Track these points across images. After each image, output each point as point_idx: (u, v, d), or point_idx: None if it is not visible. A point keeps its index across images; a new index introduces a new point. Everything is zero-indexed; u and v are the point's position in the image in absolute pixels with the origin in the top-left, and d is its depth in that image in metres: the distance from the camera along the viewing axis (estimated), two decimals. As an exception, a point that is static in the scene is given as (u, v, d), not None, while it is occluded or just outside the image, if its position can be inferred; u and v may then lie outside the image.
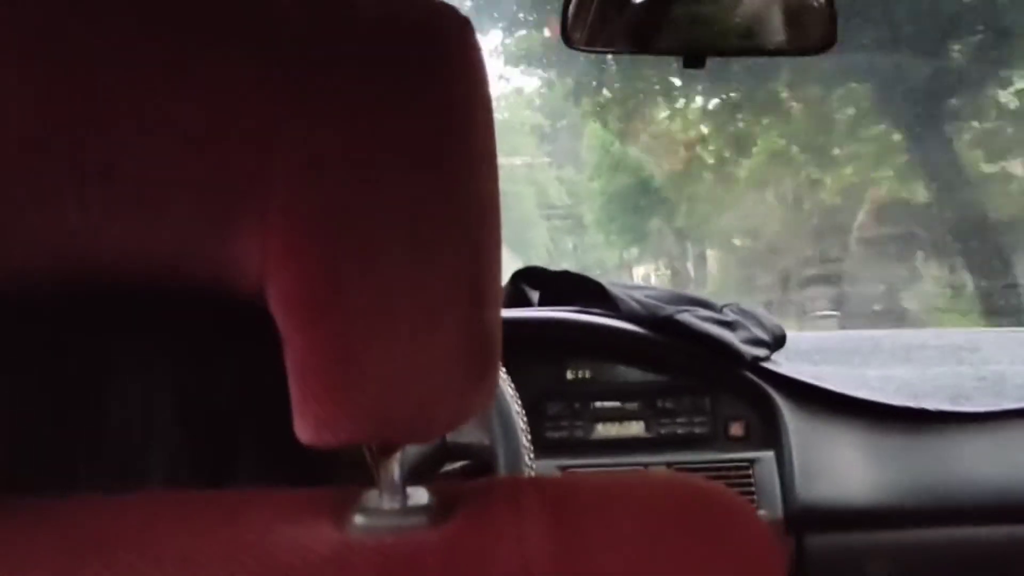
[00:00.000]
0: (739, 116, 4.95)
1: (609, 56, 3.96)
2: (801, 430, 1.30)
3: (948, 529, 1.26)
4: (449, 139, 0.38)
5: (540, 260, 5.53)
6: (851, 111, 4.64)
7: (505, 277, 1.39)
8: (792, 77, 4.49)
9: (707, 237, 5.38)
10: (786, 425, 1.30)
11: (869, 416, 1.31)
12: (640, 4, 1.12)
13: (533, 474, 0.91)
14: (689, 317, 1.32)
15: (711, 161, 5.10)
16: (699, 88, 4.83)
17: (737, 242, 5.32)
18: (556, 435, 1.34)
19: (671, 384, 1.35)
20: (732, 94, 4.82)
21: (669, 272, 5.35)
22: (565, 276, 1.46)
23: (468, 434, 0.96)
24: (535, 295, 1.45)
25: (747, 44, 1.18)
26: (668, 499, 0.41)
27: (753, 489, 1.28)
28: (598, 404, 1.36)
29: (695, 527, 0.40)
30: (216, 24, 0.36)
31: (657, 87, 4.96)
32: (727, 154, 5.04)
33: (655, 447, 1.34)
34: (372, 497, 0.40)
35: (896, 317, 4.15)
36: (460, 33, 0.39)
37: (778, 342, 1.39)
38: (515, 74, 5.87)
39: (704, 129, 5.06)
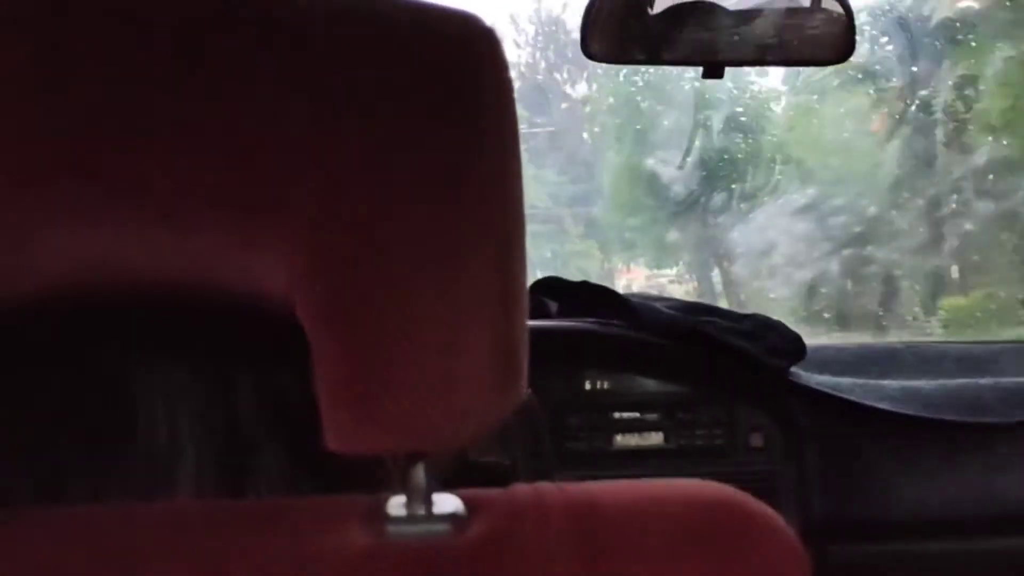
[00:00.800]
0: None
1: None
2: (821, 441, 1.30)
3: (970, 541, 1.25)
4: (477, 153, 0.38)
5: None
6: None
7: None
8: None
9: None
10: (806, 436, 1.30)
11: (890, 427, 1.31)
12: (658, 15, 1.13)
13: None
14: (712, 328, 1.31)
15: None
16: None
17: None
18: (575, 446, 1.34)
19: (690, 395, 1.35)
20: None
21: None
22: (584, 287, 1.46)
23: (489, 450, 0.95)
24: (554, 306, 1.45)
25: (765, 54, 1.18)
26: (696, 510, 0.41)
27: (773, 500, 1.27)
28: (617, 415, 1.35)
29: (723, 540, 0.40)
30: (246, 43, 0.37)
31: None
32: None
33: (675, 458, 1.33)
34: (397, 504, 0.40)
35: None
36: (490, 47, 0.39)
37: (798, 353, 1.39)
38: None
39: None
